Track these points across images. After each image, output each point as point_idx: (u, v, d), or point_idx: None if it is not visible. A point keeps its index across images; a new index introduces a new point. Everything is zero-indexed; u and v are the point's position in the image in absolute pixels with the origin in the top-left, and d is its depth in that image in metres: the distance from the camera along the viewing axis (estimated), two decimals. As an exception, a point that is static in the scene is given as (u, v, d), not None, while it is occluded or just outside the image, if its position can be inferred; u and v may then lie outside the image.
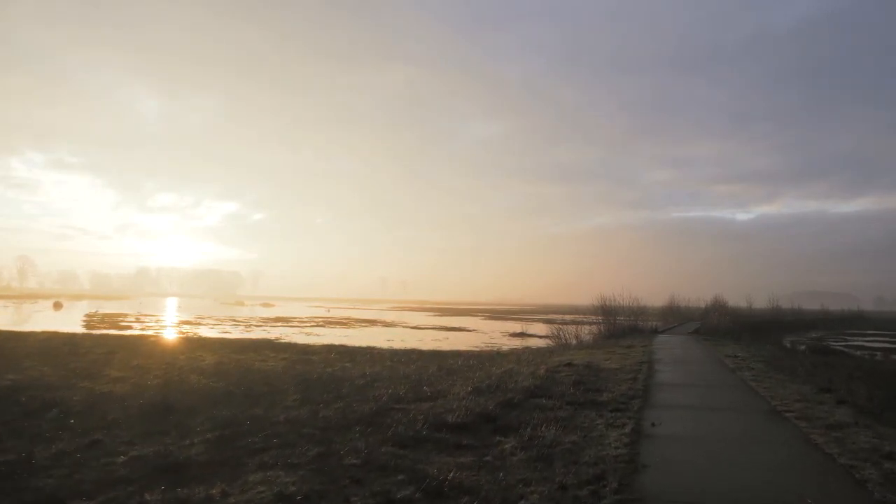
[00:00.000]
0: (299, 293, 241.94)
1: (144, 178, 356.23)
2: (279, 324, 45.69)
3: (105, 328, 34.36)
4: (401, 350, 22.09)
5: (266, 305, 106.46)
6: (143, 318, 45.94)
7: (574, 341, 25.13)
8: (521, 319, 58.79)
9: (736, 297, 46.39)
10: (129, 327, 35.94)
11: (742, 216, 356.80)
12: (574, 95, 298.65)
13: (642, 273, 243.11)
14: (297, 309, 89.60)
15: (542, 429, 6.45)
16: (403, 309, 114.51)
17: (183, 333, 30.64)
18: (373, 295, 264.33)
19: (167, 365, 14.04)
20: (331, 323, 49.34)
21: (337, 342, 27.12)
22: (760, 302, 54.51)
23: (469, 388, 9.72)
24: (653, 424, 6.91)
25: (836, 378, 12.21)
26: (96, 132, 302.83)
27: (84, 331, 29.06)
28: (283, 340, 27.50)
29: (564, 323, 28.84)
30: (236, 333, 34.09)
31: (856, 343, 38.75)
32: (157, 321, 43.62)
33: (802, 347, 30.59)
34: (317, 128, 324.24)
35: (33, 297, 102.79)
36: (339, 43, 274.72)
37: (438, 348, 25.52)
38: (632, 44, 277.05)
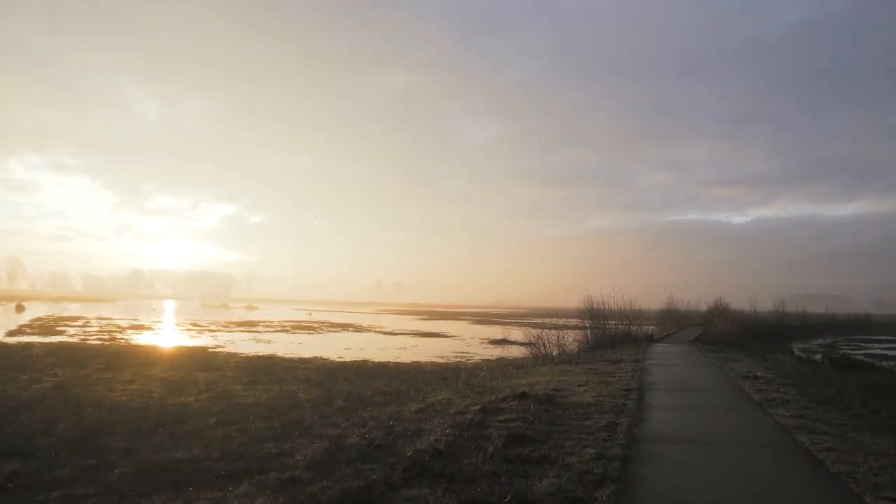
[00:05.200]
0: (295, 295, 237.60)
1: (143, 181, 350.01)
2: (240, 329, 41.59)
3: (31, 333, 30.37)
4: (339, 363, 18.20)
5: (249, 308, 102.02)
6: (91, 323, 41.82)
7: (555, 351, 21.16)
8: (509, 324, 54.79)
9: (733, 300, 42.61)
10: (62, 333, 31.86)
11: (738, 219, 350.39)
12: (571, 99, 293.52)
13: (639, 276, 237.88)
14: (279, 312, 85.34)
15: None
16: (392, 312, 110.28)
17: (107, 340, 26.61)
18: (368, 297, 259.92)
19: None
20: (299, 328, 45.21)
21: (279, 352, 23.26)
22: (759, 305, 50.85)
23: (326, 447, 5.79)
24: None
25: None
26: (96, 134, 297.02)
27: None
28: (218, 349, 23.62)
29: (554, 327, 24.66)
30: (180, 340, 30.09)
31: (874, 351, 34.82)
32: (104, 325, 39.54)
33: (818, 357, 26.76)
34: (315, 131, 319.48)
35: (16, 298, 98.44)
36: (337, 48, 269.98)
37: (395, 359, 21.63)
38: (629, 47, 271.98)
